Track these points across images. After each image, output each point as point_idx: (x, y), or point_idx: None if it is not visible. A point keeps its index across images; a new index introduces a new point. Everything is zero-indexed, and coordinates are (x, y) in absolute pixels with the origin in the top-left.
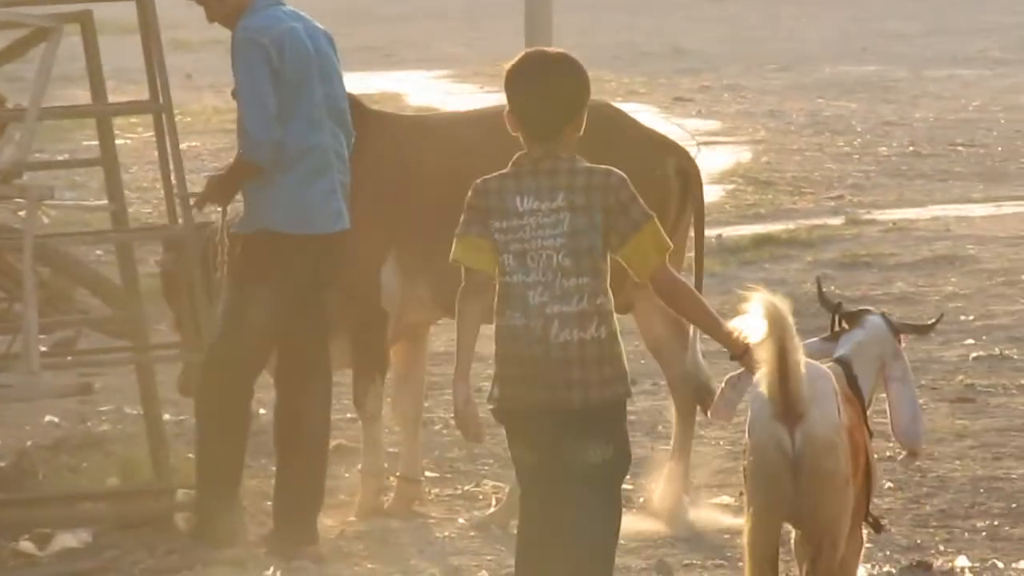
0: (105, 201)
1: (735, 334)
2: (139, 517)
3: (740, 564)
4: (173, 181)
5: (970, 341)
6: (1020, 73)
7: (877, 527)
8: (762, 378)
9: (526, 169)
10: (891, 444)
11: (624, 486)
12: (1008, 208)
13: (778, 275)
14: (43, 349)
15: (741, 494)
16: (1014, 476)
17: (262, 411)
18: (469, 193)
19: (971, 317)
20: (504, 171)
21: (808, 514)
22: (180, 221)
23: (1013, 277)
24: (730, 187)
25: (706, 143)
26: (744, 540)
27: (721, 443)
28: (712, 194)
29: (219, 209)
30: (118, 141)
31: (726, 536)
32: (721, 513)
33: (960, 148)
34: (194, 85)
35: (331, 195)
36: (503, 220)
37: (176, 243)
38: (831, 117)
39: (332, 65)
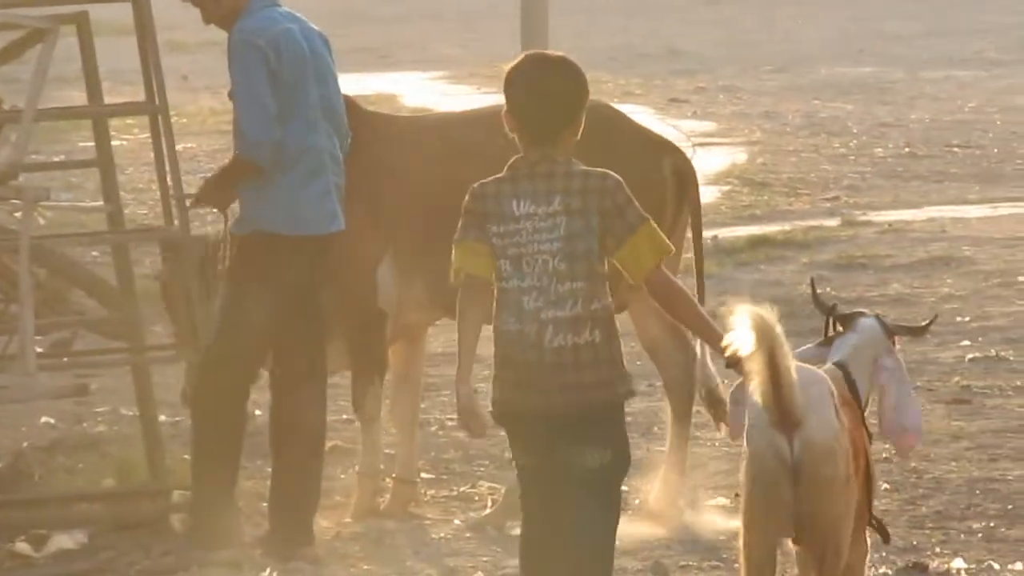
0: (101, 202)
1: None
2: (135, 518)
3: (736, 566)
4: (169, 182)
5: (966, 342)
6: (1016, 74)
7: (884, 534)
8: (756, 388)
9: (522, 173)
10: (887, 446)
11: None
12: (1004, 209)
13: (774, 276)
14: (39, 350)
15: (737, 495)
16: (1010, 477)
17: (258, 412)
18: (466, 198)
19: (967, 318)
20: (500, 175)
21: (809, 521)
22: (176, 223)
23: (1009, 278)
24: (726, 188)
25: (702, 144)
26: (741, 549)
27: (717, 444)
28: (708, 195)
29: (215, 210)
30: (114, 142)
31: (722, 538)
32: (717, 514)
33: (956, 149)
34: (190, 87)
35: (326, 196)
36: (500, 224)
37: (173, 252)
38: (827, 118)
39: (327, 66)
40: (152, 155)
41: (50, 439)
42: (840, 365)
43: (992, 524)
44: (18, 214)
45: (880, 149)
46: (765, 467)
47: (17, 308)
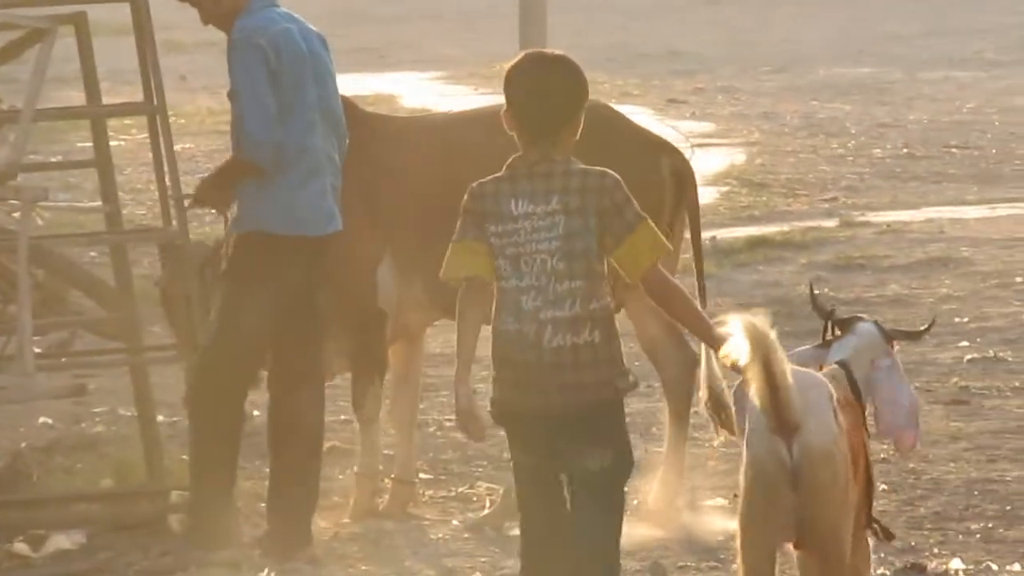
0: (99, 203)
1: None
2: (133, 519)
3: (734, 567)
4: (167, 183)
5: (964, 343)
6: (1015, 75)
7: (887, 534)
8: (754, 395)
9: (521, 172)
10: (884, 446)
11: None
12: (1002, 210)
13: (772, 277)
14: (38, 351)
15: (735, 496)
16: (1008, 478)
17: (256, 412)
18: (465, 197)
19: (965, 319)
20: (499, 174)
21: (809, 525)
22: (174, 223)
23: (1007, 279)
24: (724, 189)
25: (700, 145)
26: (738, 550)
27: (715, 445)
28: (706, 196)
29: (213, 211)
30: (112, 143)
31: (720, 538)
32: (715, 515)
33: (954, 150)
34: (188, 87)
35: (323, 197)
36: (498, 224)
37: (173, 258)
38: (825, 119)
39: (326, 67)
40: (150, 155)
41: (48, 439)
42: (842, 364)
43: (990, 525)
44: (16, 214)
45: (878, 150)
46: (764, 471)
47: (15, 308)
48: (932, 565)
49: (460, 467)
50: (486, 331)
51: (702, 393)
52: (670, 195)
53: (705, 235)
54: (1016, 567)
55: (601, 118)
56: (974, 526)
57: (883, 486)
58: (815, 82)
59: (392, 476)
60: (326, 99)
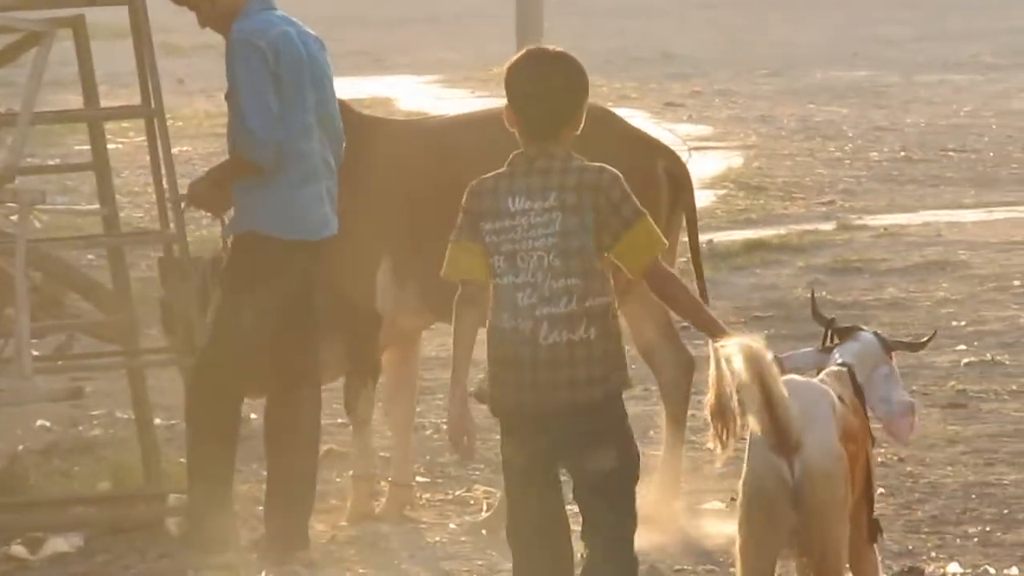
0: (97, 206)
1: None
2: (131, 521)
3: (732, 570)
4: (165, 185)
5: (962, 347)
6: (1011, 78)
7: (878, 531)
8: (752, 417)
9: (520, 169)
10: (882, 449)
11: None
12: (999, 213)
13: (769, 280)
14: (35, 353)
15: (733, 499)
16: (1006, 482)
17: (253, 416)
18: (464, 195)
19: (963, 323)
20: (500, 171)
21: (808, 541)
22: (172, 226)
23: (1004, 283)
24: (721, 192)
25: (697, 148)
26: (737, 556)
27: (713, 447)
28: (703, 199)
29: (209, 215)
30: (110, 146)
31: (718, 541)
32: (713, 519)
33: (951, 153)
34: (186, 90)
35: (319, 201)
36: (495, 221)
37: (173, 276)
38: (822, 122)
39: (323, 70)
40: (148, 158)
41: (46, 442)
42: (846, 364)
43: (988, 528)
44: (14, 217)
45: (875, 153)
46: (764, 488)
47: (13, 311)
48: (930, 569)
49: (457, 470)
50: (482, 334)
51: (709, 396)
52: (665, 197)
53: (702, 238)
54: (1014, 571)
55: (596, 119)
56: (971, 530)
57: (881, 489)
58: (811, 85)
59: (389, 479)
60: (323, 103)
